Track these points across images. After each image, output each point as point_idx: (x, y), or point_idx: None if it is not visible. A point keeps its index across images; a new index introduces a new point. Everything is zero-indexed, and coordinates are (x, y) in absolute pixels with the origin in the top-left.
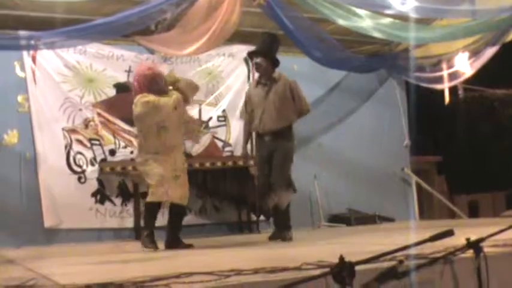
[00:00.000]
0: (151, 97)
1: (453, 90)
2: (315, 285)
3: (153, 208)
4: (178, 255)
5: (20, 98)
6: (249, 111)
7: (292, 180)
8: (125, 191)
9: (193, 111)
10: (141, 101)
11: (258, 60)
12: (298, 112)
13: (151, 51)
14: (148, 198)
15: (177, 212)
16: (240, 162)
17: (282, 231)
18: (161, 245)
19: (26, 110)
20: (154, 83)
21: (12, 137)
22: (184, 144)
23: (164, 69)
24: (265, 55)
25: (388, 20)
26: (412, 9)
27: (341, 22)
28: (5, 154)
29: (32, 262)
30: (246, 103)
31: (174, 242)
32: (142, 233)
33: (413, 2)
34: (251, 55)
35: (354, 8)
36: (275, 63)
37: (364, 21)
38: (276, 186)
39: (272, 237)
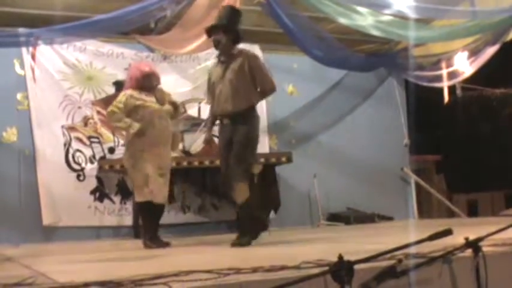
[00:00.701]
0: (135, 93)
1: (452, 89)
2: (313, 284)
3: (146, 207)
4: (177, 253)
5: (19, 96)
6: (211, 93)
7: (254, 173)
8: (124, 189)
9: (192, 110)
10: (122, 99)
11: (217, 36)
12: (261, 92)
13: (151, 49)
14: (137, 199)
15: (157, 211)
16: None
17: (240, 234)
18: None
19: (26, 108)
20: (147, 80)
21: (11, 134)
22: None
23: (164, 67)
24: (224, 30)
25: (388, 18)
26: (411, 9)
27: (341, 20)
28: (4, 152)
29: (31, 260)
30: (208, 84)
31: (153, 240)
32: (144, 235)
33: (413, 2)
34: (209, 31)
35: (354, 7)
36: (236, 38)
37: (365, 19)
38: (231, 178)
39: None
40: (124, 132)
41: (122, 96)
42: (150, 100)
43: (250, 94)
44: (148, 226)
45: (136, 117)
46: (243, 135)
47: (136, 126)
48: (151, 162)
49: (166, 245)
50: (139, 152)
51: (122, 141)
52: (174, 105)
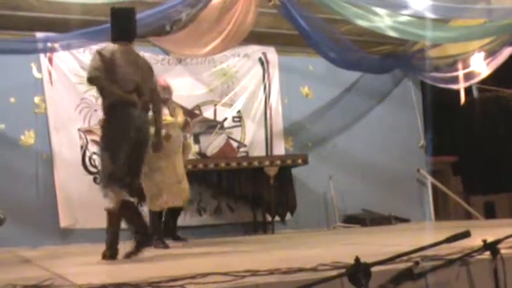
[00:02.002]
0: None
1: (469, 90)
2: (330, 286)
3: (158, 215)
4: (194, 255)
5: (36, 99)
6: None
7: (117, 177)
8: (140, 191)
9: (208, 112)
10: None
11: None
12: None
13: (167, 52)
14: (150, 207)
15: (174, 212)
16: (256, 163)
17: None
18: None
19: (43, 111)
20: (162, 93)
21: (29, 137)
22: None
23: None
24: None
25: (405, 19)
26: (428, 8)
27: (358, 22)
28: (22, 154)
29: (48, 262)
30: None
31: (173, 237)
32: (153, 237)
33: (429, 1)
34: None
35: (370, 7)
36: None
37: (382, 20)
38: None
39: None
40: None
41: None
42: (164, 113)
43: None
44: (158, 230)
45: None
46: (101, 136)
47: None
48: (166, 171)
49: (166, 247)
50: (154, 160)
51: None
52: (186, 121)
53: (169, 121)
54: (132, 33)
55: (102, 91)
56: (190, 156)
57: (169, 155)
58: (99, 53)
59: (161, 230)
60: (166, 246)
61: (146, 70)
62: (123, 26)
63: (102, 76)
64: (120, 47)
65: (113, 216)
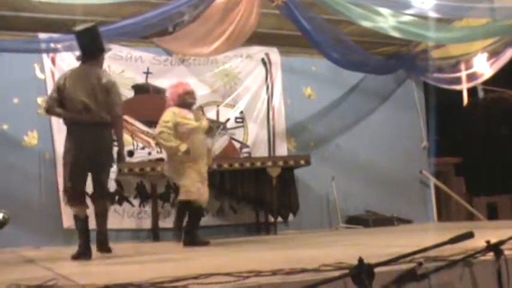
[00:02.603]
0: (177, 111)
1: (472, 91)
2: (333, 287)
3: (185, 207)
4: (196, 256)
5: (39, 100)
6: None
7: (72, 192)
8: (143, 192)
9: (211, 113)
10: (168, 117)
11: None
12: None
13: (170, 53)
14: (181, 197)
15: (196, 214)
16: (258, 164)
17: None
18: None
19: None
20: (188, 98)
21: (32, 138)
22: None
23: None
24: None
25: (408, 19)
26: (431, 8)
27: (361, 22)
28: (25, 155)
29: (52, 262)
30: None
31: (194, 240)
32: (177, 231)
33: (433, 1)
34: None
35: (373, 8)
36: None
37: (385, 21)
38: None
39: None
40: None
41: (168, 115)
42: (189, 117)
43: None
44: (179, 221)
45: (177, 133)
46: None
47: (184, 146)
48: (192, 174)
49: (206, 243)
50: (180, 165)
51: (140, 145)
52: (210, 126)
53: (194, 126)
54: (90, 51)
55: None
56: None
57: (195, 160)
58: (56, 81)
59: (181, 222)
60: (179, 239)
61: (99, 87)
62: (81, 46)
63: (54, 104)
64: (76, 68)
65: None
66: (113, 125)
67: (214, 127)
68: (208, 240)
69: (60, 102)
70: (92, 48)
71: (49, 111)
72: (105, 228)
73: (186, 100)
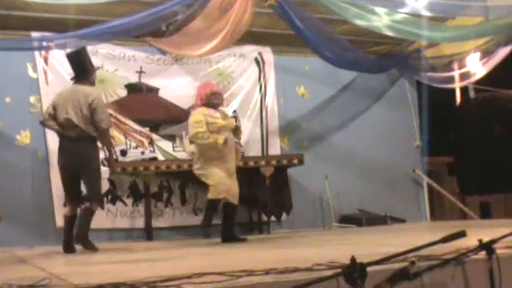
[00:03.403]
0: (205, 111)
1: (465, 90)
2: (326, 286)
3: (214, 204)
4: (189, 255)
5: (32, 99)
6: None
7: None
8: (136, 191)
9: None
10: (200, 118)
11: None
12: None
13: (163, 52)
14: (210, 196)
15: (229, 210)
16: (251, 163)
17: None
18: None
19: (38, 111)
20: (215, 98)
21: (24, 137)
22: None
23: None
24: None
25: (402, 17)
26: (424, 6)
27: (354, 20)
28: (17, 154)
29: (45, 261)
30: None
31: (231, 237)
32: (205, 228)
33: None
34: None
35: (367, 7)
36: None
37: (379, 19)
38: None
39: None
40: (193, 146)
41: (198, 116)
42: (217, 116)
43: None
44: (207, 219)
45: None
46: None
47: (221, 139)
48: (219, 170)
49: (243, 240)
50: (209, 162)
51: (133, 144)
52: (236, 126)
53: (222, 124)
54: (80, 72)
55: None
56: (187, 156)
57: (223, 158)
58: (52, 99)
59: (209, 219)
60: (207, 236)
61: (85, 105)
62: (72, 67)
63: (49, 118)
64: (68, 88)
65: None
66: (100, 138)
67: (240, 127)
68: (246, 237)
69: (54, 117)
70: (80, 69)
71: (44, 123)
72: (84, 224)
73: (212, 100)
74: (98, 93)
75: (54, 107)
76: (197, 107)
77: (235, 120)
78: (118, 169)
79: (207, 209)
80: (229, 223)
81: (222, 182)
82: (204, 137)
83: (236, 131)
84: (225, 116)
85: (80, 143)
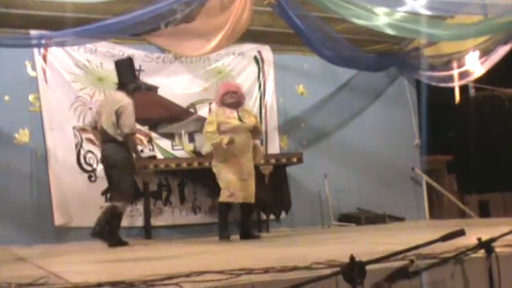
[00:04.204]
0: (220, 111)
1: (464, 89)
2: (325, 284)
3: (223, 207)
4: (188, 254)
5: (31, 97)
6: None
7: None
8: (135, 189)
9: (203, 110)
10: (212, 118)
11: None
12: None
13: (162, 50)
14: (219, 199)
15: (245, 209)
16: None
17: None
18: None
19: (37, 109)
20: (229, 97)
21: (23, 135)
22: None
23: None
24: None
25: (400, 16)
26: (423, 5)
27: (354, 20)
28: (16, 153)
29: (43, 260)
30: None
31: (247, 234)
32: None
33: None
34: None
35: (367, 6)
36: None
37: (378, 18)
38: None
39: None
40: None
41: (211, 116)
42: (232, 116)
43: None
44: (222, 221)
45: (219, 131)
46: None
47: (226, 138)
48: (232, 170)
49: (259, 237)
50: (222, 160)
51: None
52: (255, 127)
53: (235, 124)
54: (119, 80)
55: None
56: (185, 155)
57: (235, 156)
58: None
59: (224, 222)
60: (226, 237)
61: (114, 111)
62: (116, 75)
63: (92, 123)
64: (107, 95)
65: None
66: (125, 142)
67: (260, 127)
68: (259, 234)
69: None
70: (121, 77)
71: (88, 128)
72: (102, 220)
73: (225, 101)
74: (127, 101)
75: (98, 113)
76: (215, 107)
77: (257, 123)
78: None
79: (218, 211)
80: (246, 221)
81: (230, 185)
82: (211, 137)
83: (254, 131)
84: (245, 115)
85: (108, 146)
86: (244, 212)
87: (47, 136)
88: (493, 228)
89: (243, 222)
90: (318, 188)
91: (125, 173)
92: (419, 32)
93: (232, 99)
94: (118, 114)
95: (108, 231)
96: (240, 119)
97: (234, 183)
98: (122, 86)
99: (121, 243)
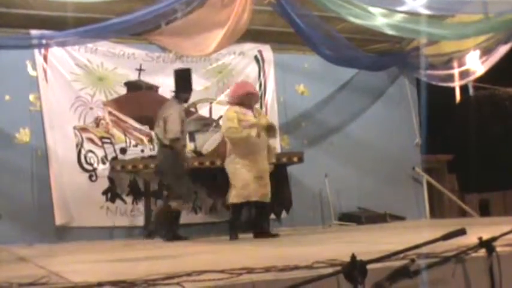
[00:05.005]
0: (238, 109)
1: (464, 88)
2: (326, 283)
3: (239, 208)
4: (190, 253)
5: (31, 97)
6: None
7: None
8: (136, 189)
9: (204, 110)
10: (233, 115)
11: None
12: None
13: (163, 50)
14: (233, 200)
15: (261, 207)
16: None
17: None
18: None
19: (38, 109)
20: (249, 99)
21: (24, 135)
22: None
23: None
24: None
25: (400, 16)
26: (424, 4)
27: (355, 20)
28: (17, 152)
29: (44, 260)
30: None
31: (261, 233)
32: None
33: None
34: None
35: (366, 6)
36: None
37: (380, 18)
38: None
39: None
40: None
41: (232, 113)
42: (249, 115)
43: None
44: (235, 224)
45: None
46: None
47: (254, 131)
48: (248, 168)
49: (276, 235)
50: (240, 158)
51: (133, 142)
52: (270, 125)
53: (254, 121)
54: (175, 88)
55: None
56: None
57: (253, 153)
58: None
59: (238, 222)
60: (235, 237)
61: (162, 118)
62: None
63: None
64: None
65: None
66: (172, 145)
67: (275, 126)
68: (278, 234)
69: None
70: (176, 86)
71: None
72: (155, 220)
73: (244, 101)
74: (174, 108)
75: (156, 119)
76: (231, 105)
77: (271, 122)
78: (118, 166)
79: (232, 211)
80: (263, 220)
81: (247, 185)
82: (236, 132)
83: (270, 129)
84: (258, 113)
85: (159, 150)
86: (260, 210)
87: (47, 136)
88: (494, 227)
89: (261, 220)
90: (319, 187)
91: (173, 174)
92: (419, 31)
93: (251, 100)
94: (165, 121)
95: (166, 228)
96: (256, 117)
97: (251, 182)
98: (176, 93)
99: (178, 238)
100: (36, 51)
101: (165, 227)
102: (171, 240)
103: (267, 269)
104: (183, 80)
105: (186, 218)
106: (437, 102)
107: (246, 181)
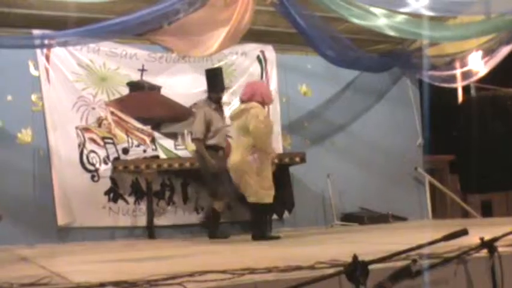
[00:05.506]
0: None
1: (466, 88)
2: (328, 284)
3: (267, 208)
4: (192, 253)
5: (33, 97)
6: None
7: None
8: (138, 189)
9: None
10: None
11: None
12: None
13: (166, 50)
14: (264, 200)
15: (270, 209)
16: None
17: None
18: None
19: (40, 109)
20: (269, 103)
21: (26, 135)
22: None
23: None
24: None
25: (402, 17)
26: (425, 6)
27: (357, 21)
28: (19, 152)
29: (46, 260)
30: (209, 122)
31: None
32: (256, 232)
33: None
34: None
35: (368, 7)
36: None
37: (382, 19)
38: None
39: None
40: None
41: (262, 110)
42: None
43: None
44: (262, 223)
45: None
46: None
47: (274, 154)
48: (269, 167)
49: (277, 237)
50: (263, 156)
51: (135, 142)
52: None
53: (272, 124)
54: (207, 87)
55: None
56: (188, 155)
57: (270, 153)
58: None
59: (261, 222)
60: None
61: (195, 114)
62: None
63: None
64: None
65: None
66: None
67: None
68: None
69: None
70: (208, 85)
71: None
72: (209, 215)
73: (267, 103)
74: (201, 107)
75: None
76: (255, 103)
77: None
78: (120, 166)
79: (259, 211)
80: (262, 222)
81: (271, 187)
82: (267, 129)
83: None
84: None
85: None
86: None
87: (49, 136)
88: (496, 228)
89: (260, 223)
90: (321, 187)
91: (209, 175)
92: (421, 33)
93: (269, 102)
94: (192, 121)
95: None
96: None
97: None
98: (208, 94)
99: (218, 236)
100: (38, 51)
101: (210, 226)
102: (215, 238)
103: (269, 270)
104: (213, 79)
105: (188, 218)
106: (439, 103)
107: (270, 182)
